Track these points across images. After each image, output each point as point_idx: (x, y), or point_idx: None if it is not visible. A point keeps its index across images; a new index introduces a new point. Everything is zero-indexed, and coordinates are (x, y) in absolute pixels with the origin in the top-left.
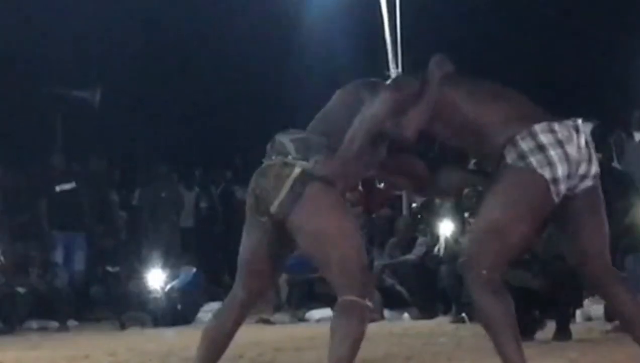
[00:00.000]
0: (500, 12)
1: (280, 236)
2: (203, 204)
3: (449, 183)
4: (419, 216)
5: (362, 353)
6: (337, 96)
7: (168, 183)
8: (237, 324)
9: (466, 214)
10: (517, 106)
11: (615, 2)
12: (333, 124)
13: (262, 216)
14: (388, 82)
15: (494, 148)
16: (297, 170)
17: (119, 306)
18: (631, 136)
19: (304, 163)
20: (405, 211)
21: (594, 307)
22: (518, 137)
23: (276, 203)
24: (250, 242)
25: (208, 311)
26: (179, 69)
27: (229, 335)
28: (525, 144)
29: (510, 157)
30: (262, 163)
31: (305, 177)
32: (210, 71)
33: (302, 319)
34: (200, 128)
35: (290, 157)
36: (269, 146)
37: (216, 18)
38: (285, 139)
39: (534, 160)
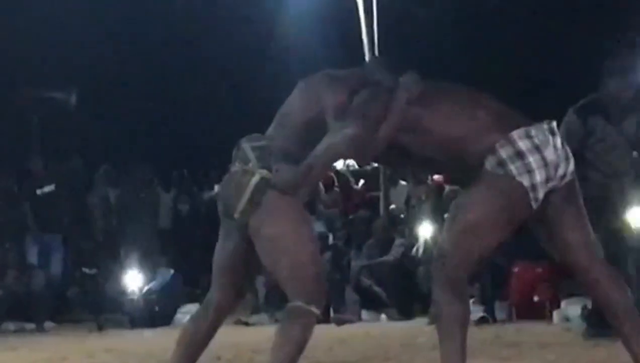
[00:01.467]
0: (476, 11)
1: (250, 240)
2: (182, 206)
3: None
4: (397, 217)
5: (340, 355)
6: (293, 96)
7: (146, 184)
8: (213, 328)
9: (446, 216)
10: (494, 113)
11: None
12: (292, 129)
13: (231, 220)
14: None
15: (474, 159)
16: (256, 178)
17: (97, 308)
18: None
19: (264, 171)
20: (383, 212)
21: (571, 308)
22: (497, 145)
23: (238, 209)
24: (225, 246)
25: (186, 312)
26: (158, 70)
27: (205, 339)
28: (504, 152)
29: (489, 164)
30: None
31: (264, 185)
32: (189, 72)
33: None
34: (179, 129)
35: (250, 165)
36: (234, 152)
37: (194, 20)
38: (247, 146)
39: (513, 168)
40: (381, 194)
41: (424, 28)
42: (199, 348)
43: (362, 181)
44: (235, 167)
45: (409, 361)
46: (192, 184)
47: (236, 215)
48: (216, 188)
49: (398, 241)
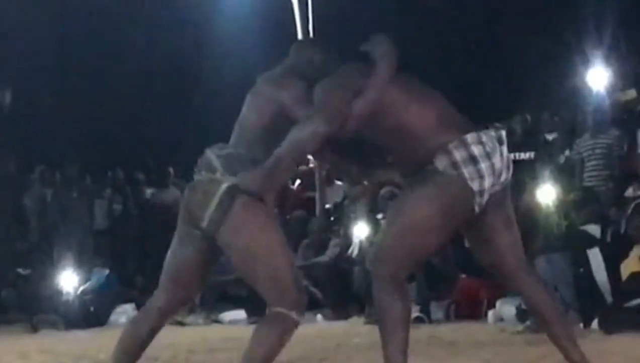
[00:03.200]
0: (412, 11)
1: (212, 248)
2: (116, 206)
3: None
4: (333, 218)
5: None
6: (247, 103)
7: (80, 184)
8: (153, 331)
9: (379, 216)
10: (447, 112)
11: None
12: (253, 134)
13: (195, 229)
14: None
15: (424, 152)
16: (224, 186)
17: (31, 308)
18: (543, 136)
19: (231, 178)
20: (318, 213)
21: (505, 308)
22: (451, 146)
23: (206, 219)
24: (181, 252)
25: (121, 313)
26: (91, 71)
27: (145, 341)
28: (458, 154)
29: (441, 163)
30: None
31: (233, 193)
32: (123, 72)
33: (216, 321)
34: (112, 130)
35: (218, 174)
36: (199, 160)
37: (129, 19)
38: (212, 155)
39: (466, 171)
40: (317, 194)
41: (360, 28)
42: (139, 349)
43: (297, 181)
44: (201, 176)
45: (345, 361)
46: (125, 185)
47: (203, 224)
48: (148, 191)
49: (333, 241)
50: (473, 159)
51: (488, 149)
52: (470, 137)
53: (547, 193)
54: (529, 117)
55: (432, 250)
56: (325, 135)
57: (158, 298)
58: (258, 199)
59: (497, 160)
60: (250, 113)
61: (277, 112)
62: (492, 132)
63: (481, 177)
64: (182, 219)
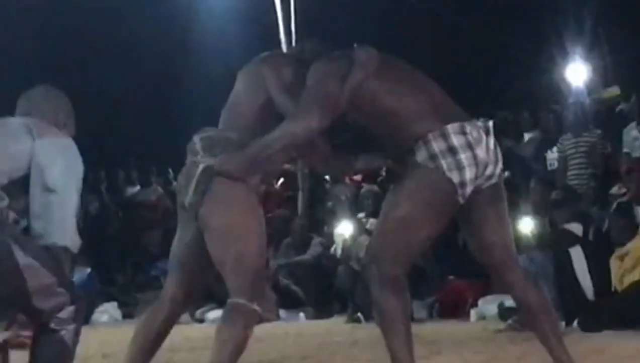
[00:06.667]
0: (394, 11)
1: None
2: (91, 205)
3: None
4: (316, 216)
5: (257, 354)
6: (238, 82)
7: None
8: (167, 322)
9: (361, 215)
10: (435, 101)
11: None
12: (240, 116)
13: (184, 212)
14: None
15: (405, 139)
16: (200, 167)
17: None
18: (521, 136)
19: (209, 159)
20: (301, 212)
21: (487, 307)
22: (430, 136)
23: (187, 201)
24: (181, 238)
25: (102, 312)
26: (72, 69)
27: (160, 334)
28: (436, 145)
29: (420, 156)
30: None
31: (209, 174)
32: (106, 71)
33: (200, 320)
34: (95, 128)
35: (198, 156)
36: (188, 146)
37: (112, 17)
38: (196, 138)
39: (444, 163)
40: (300, 193)
41: (342, 27)
42: (155, 344)
43: (280, 180)
44: (187, 160)
45: (327, 359)
46: (102, 184)
47: (186, 204)
48: (129, 190)
49: (315, 240)
50: (452, 150)
51: (470, 139)
52: (451, 127)
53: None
54: (508, 116)
55: (424, 244)
56: (319, 130)
57: (168, 287)
58: (237, 180)
59: (480, 151)
60: (242, 96)
61: (269, 98)
62: (480, 123)
63: (460, 168)
64: (178, 205)
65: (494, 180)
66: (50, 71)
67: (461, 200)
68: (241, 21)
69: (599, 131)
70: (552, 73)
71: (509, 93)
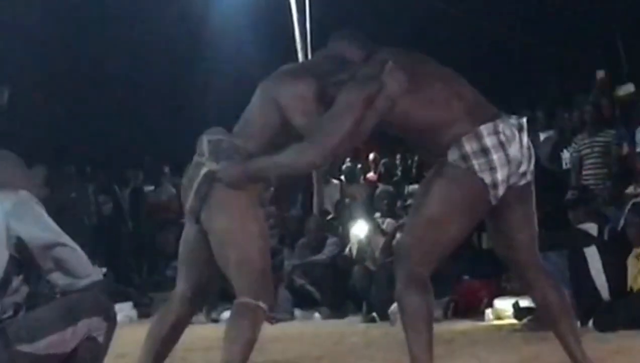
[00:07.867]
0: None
1: None
2: (105, 205)
3: None
4: (331, 217)
5: (273, 354)
6: (256, 95)
7: (77, 183)
8: (179, 321)
9: (377, 215)
10: (467, 103)
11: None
12: (252, 125)
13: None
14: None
15: (439, 144)
16: (203, 171)
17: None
18: (537, 135)
19: (212, 164)
20: (316, 211)
21: (503, 306)
22: (464, 138)
23: (189, 202)
24: (187, 237)
25: (118, 311)
26: (88, 69)
27: (173, 335)
28: (469, 146)
29: (452, 156)
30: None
31: (211, 178)
32: (120, 72)
33: (216, 320)
34: (108, 128)
35: (204, 158)
36: (197, 143)
37: (125, 18)
38: (205, 139)
39: (476, 163)
40: (314, 193)
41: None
42: (167, 344)
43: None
44: (193, 159)
45: (342, 359)
46: (114, 184)
47: (187, 207)
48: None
49: (331, 240)
50: (484, 151)
51: (503, 138)
52: (485, 128)
53: None
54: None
55: (453, 244)
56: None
57: (178, 285)
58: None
59: (513, 149)
60: (256, 111)
61: (279, 118)
62: (514, 120)
63: (492, 169)
64: (183, 204)
65: (528, 177)
66: (65, 72)
67: (493, 201)
68: (256, 21)
69: (613, 131)
70: (569, 74)
71: (524, 93)
